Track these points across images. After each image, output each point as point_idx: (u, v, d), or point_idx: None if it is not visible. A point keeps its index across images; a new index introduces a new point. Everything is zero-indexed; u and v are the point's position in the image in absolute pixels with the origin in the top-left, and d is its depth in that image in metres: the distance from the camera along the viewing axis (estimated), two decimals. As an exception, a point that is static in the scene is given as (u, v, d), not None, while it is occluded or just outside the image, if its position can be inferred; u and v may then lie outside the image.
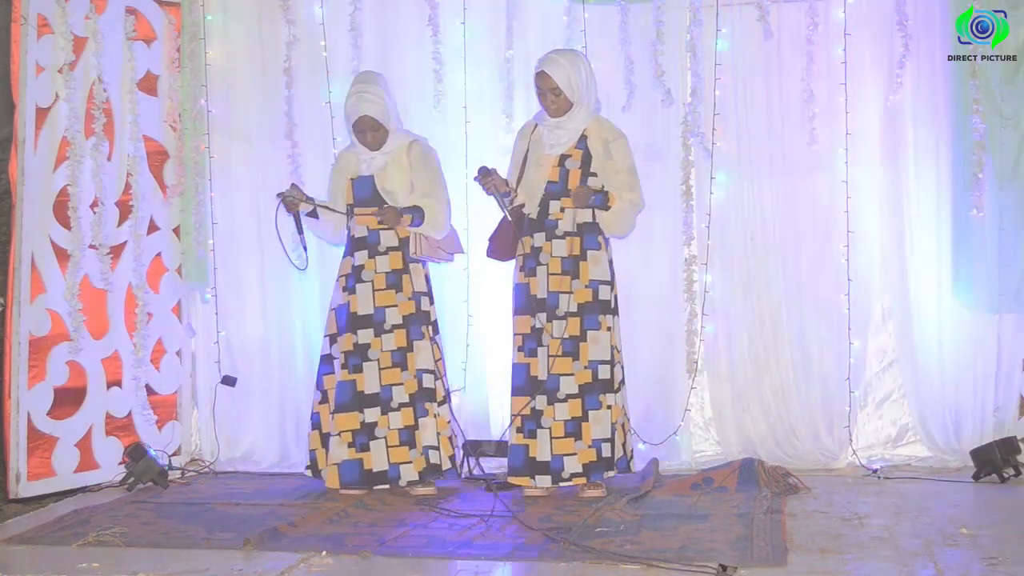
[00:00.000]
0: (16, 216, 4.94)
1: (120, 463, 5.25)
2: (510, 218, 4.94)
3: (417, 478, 4.98)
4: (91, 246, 5.19)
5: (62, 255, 5.09)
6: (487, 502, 4.61)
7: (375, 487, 4.95)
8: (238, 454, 5.75)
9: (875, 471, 5.21)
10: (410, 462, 4.97)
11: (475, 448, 5.37)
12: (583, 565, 3.75)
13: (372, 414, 4.96)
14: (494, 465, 5.34)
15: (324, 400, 5.11)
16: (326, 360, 5.12)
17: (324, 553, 3.96)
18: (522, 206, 4.97)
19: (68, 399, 5.11)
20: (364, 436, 4.96)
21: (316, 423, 5.14)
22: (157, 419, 5.52)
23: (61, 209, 5.09)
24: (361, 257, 5.04)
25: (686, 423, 5.50)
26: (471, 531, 4.26)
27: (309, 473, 5.15)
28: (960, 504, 4.63)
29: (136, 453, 5.18)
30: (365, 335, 4.99)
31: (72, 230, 5.10)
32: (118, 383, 5.35)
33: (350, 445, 4.96)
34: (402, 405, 4.98)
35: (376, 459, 4.95)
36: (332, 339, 5.10)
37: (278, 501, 4.88)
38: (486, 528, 4.29)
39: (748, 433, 5.49)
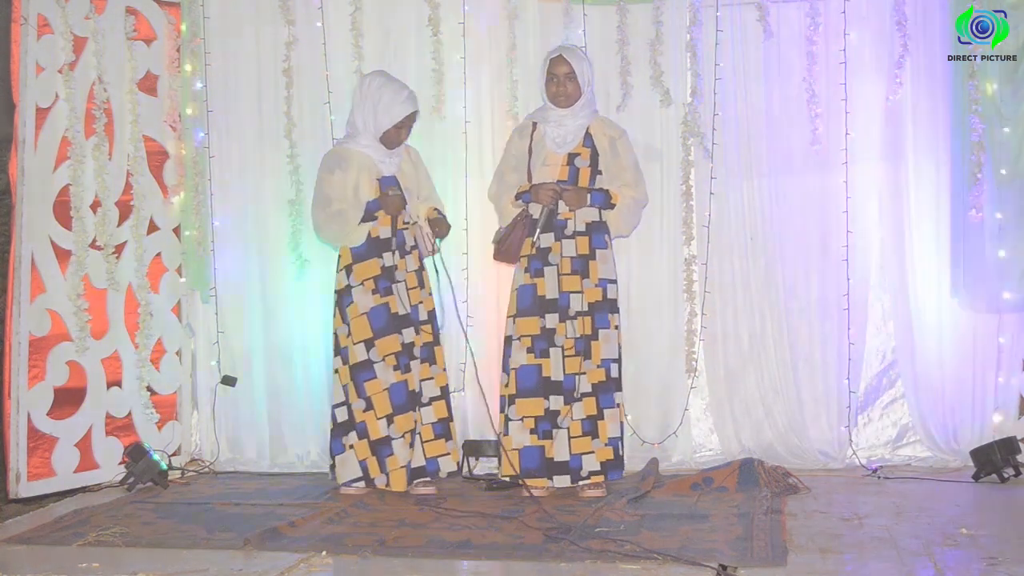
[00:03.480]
0: (16, 216, 4.94)
1: (120, 463, 5.25)
2: (531, 226, 4.93)
3: (456, 469, 5.10)
4: (93, 246, 5.19)
5: (62, 255, 5.09)
6: (487, 502, 4.60)
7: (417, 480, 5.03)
8: (238, 454, 5.75)
9: (875, 471, 5.21)
10: (448, 454, 5.05)
11: (475, 448, 5.37)
12: (583, 565, 3.75)
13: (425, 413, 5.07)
14: (493, 465, 5.34)
15: (369, 407, 4.94)
16: (364, 367, 4.94)
17: (324, 553, 3.96)
18: (526, 208, 4.97)
19: (68, 399, 5.11)
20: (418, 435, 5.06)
21: (363, 432, 4.96)
22: (158, 419, 5.52)
23: (61, 209, 5.09)
24: (391, 258, 5.02)
25: (686, 423, 5.50)
26: (471, 531, 4.25)
27: (362, 486, 4.97)
28: (960, 504, 4.63)
29: (136, 453, 5.18)
30: (408, 334, 5.00)
31: (73, 230, 5.10)
32: (118, 383, 5.35)
33: (411, 445, 4.99)
34: (433, 399, 5.05)
35: (416, 455, 5.03)
36: (368, 344, 4.96)
37: (278, 501, 4.87)
38: (486, 528, 4.29)
39: (748, 433, 5.48)
